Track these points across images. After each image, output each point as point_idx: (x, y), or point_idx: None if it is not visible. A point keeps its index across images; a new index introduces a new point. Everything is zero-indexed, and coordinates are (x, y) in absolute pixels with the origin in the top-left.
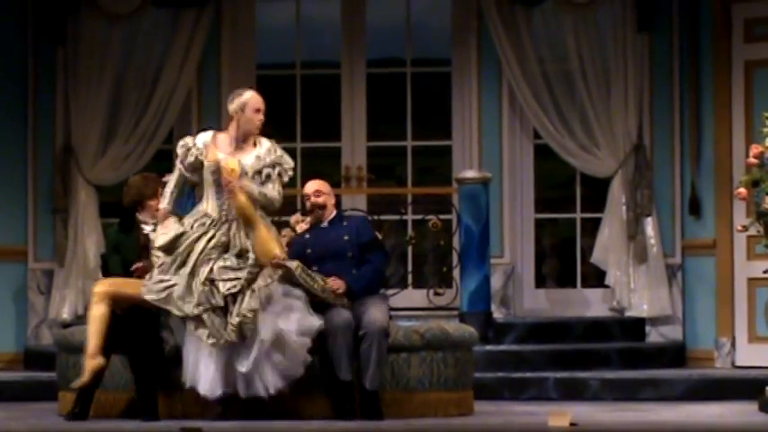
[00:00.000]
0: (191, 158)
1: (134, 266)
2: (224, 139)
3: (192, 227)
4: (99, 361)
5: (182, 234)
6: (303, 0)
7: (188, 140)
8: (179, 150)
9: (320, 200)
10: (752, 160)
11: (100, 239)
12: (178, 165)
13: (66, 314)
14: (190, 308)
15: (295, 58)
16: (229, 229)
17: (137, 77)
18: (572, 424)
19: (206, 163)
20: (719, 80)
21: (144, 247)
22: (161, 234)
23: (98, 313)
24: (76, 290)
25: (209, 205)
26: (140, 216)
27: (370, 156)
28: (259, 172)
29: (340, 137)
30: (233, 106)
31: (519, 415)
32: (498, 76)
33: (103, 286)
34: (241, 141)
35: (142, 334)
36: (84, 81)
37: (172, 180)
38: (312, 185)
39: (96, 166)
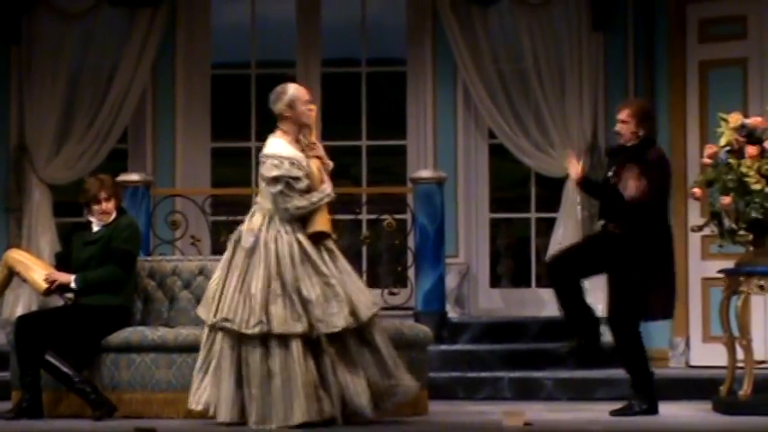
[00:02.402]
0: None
1: (51, 279)
2: (288, 141)
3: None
4: None
5: None
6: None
7: (288, 157)
8: (294, 171)
9: None
10: (706, 160)
11: (54, 239)
12: (302, 182)
13: (20, 314)
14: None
15: (250, 57)
16: None
17: (91, 76)
18: (527, 423)
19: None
20: (674, 80)
21: (84, 243)
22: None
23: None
24: (30, 290)
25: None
26: (89, 217)
27: None
28: None
29: None
30: (281, 105)
31: (473, 415)
32: (453, 75)
33: (10, 255)
34: (299, 137)
35: (82, 329)
36: (39, 80)
37: (309, 196)
38: None
39: (50, 165)
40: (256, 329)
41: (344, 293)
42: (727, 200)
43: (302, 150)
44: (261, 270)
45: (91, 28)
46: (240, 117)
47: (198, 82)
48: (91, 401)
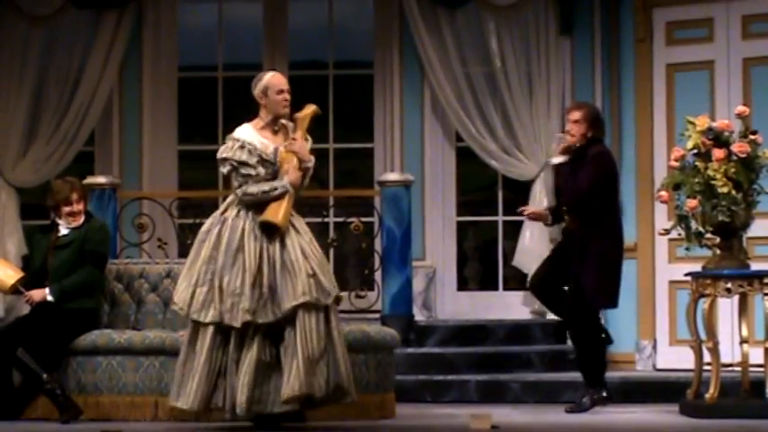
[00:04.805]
0: (252, 159)
1: (31, 303)
2: (257, 128)
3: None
4: None
5: None
6: (225, 2)
7: (242, 140)
8: (241, 156)
9: None
10: (673, 163)
11: (20, 241)
12: (251, 168)
13: None
14: None
15: (217, 59)
16: None
17: (58, 79)
18: (493, 426)
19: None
20: (641, 83)
21: (53, 247)
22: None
23: None
24: None
25: None
26: (57, 219)
27: None
28: None
29: None
30: (257, 91)
31: (440, 418)
32: (421, 78)
33: None
34: (275, 126)
35: (58, 332)
36: (5, 82)
37: (261, 185)
38: None
39: (17, 167)
40: (181, 312)
41: (268, 287)
42: (693, 203)
43: (276, 140)
44: (203, 252)
45: (57, 30)
46: (207, 119)
47: (165, 84)
48: (59, 404)
